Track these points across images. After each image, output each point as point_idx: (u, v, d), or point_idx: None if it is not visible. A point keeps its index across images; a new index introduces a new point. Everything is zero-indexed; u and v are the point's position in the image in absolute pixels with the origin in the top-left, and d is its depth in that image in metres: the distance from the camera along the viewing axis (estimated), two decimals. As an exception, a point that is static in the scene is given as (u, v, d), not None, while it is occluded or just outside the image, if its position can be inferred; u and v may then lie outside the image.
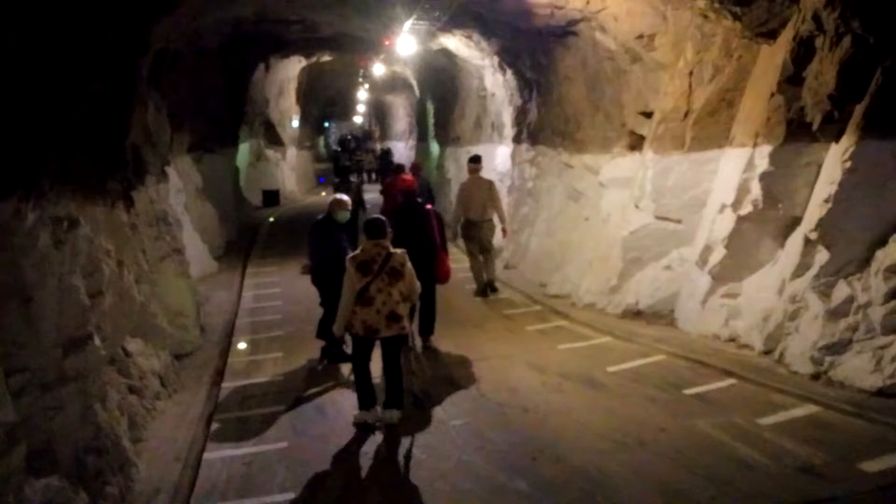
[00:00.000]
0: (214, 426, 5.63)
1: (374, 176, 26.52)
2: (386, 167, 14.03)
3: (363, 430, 5.34)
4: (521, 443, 5.01)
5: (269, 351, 7.69)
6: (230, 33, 12.30)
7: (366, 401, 5.45)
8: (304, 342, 7.94)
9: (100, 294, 4.76)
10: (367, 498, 4.36)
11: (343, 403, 6.00)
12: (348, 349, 5.99)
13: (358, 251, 5.45)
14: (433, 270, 7.09)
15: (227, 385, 6.63)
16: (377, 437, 5.24)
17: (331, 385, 6.46)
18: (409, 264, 5.42)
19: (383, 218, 5.67)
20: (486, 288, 9.80)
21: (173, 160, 10.31)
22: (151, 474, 4.67)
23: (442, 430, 5.31)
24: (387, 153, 25.93)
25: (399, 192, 7.79)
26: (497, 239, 11.03)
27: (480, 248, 9.69)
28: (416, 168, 13.22)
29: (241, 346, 7.95)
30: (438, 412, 5.65)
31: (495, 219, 9.72)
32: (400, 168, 12.42)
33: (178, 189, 10.42)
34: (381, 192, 13.20)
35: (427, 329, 7.42)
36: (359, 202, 11.01)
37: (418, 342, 6.49)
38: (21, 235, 3.65)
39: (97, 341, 4.36)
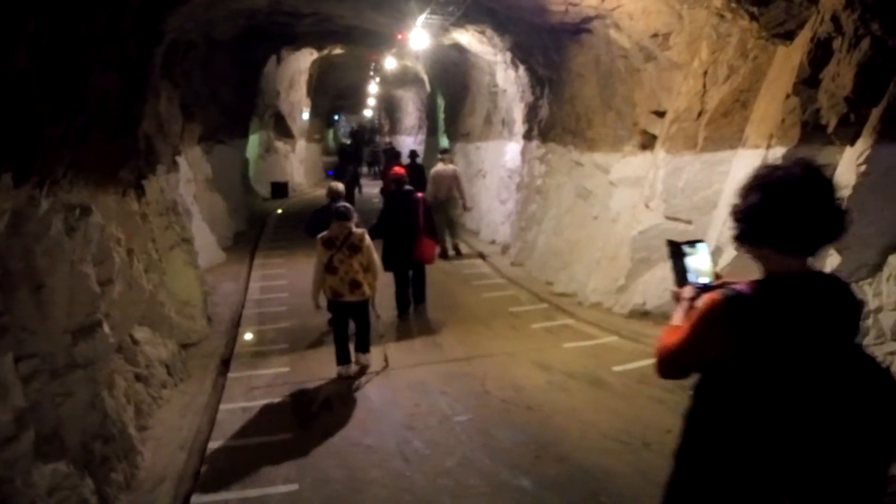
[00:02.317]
0: (220, 416, 5.65)
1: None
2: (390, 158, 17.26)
3: (341, 378, 6.44)
4: (525, 441, 5.01)
5: (275, 342, 7.71)
6: (243, 25, 12.29)
7: (342, 358, 6.54)
8: (309, 334, 7.96)
9: (110, 282, 4.78)
10: (369, 491, 4.37)
11: (348, 396, 6.02)
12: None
13: (326, 231, 6.50)
14: (413, 250, 8.21)
15: (233, 375, 6.65)
16: (380, 429, 5.25)
17: (336, 377, 6.47)
18: (367, 241, 6.54)
19: (348, 205, 6.75)
20: (446, 251, 12.07)
21: (184, 150, 10.34)
22: (156, 462, 4.70)
23: (446, 425, 5.31)
24: (393, 148, 27.16)
25: (391, 179, 9.01)
26: (503, 235, 12.02)
27: (447, 218, 12.15)
28: (413, 154, 15.61)
29: (248, 336, 7.97)
30: (443, 408, 5.66)
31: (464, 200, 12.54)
32: (397, 155, 15.65)
33: (188, 179, 10.46)
34: (382, 177, 16.60)
35: (419, 298, 8.76)
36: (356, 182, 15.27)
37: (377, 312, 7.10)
38: (34, 222, 3.66)
39: (106, 329, 4.37)
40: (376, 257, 6.66)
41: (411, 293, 8.61)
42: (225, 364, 6.94)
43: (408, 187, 8.65)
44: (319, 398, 6.05)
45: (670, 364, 2.20)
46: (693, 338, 2.04)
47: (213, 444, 5.11)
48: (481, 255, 12.52)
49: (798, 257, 1.97)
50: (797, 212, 1.89)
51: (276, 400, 5.98)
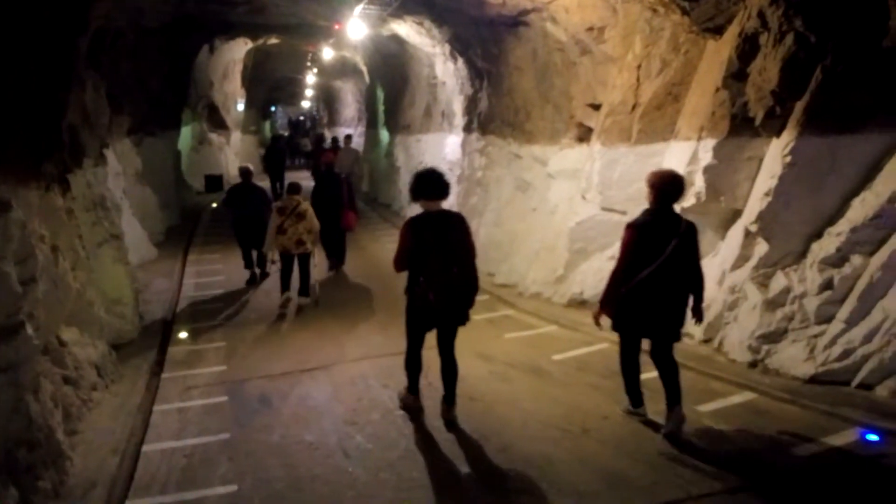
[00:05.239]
0: (154, 417, 5.48)
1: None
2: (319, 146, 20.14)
3: (282, 306, 8.60)
4: (467, 431, 5.03)
5: (211, 340, 7.52)
6: (173, 13, 11.90)
7: (284, 288, 8.69)
8: (247, 330, 7.81)
9: (33, 281, 4.55)
10: (311, 489, 4.31)
11: (288, 392, 5.92)
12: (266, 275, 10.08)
13: (280, 201, 8.69)
14: (339, 220, 10.21)
15: (168, 375, 6.45)
16: (322, 425, 5.19)
17: (275, 374, 6.36)
18: (310, 210, 8.57)
19: (299, 183, 8.95)
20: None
21: (112, 143, 9.97)
22: (87, 467, 4.52)
23: (389, 419, 5.29)
24: (322, 138, 27.84)
25: (322, 163, 11.49)
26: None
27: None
28: (335, 141, 18.63)
29: (182, 335, 7.74)
30: (385, 401, 5.63)
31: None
32: (328, 142, 19.83)
33: (116, 173, 10.09)
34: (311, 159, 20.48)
35: (339, 260, 10.78)
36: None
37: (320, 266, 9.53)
38: (-55, 218, 3.46)
39: (30, 330, 4.17)
40: (316, 222, 8.62)
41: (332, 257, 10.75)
42: (158, 364, 6.73)
43: (336, 170, 11.02)
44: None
45: (399, 260, 4.95)
46: (404, 242, 4.88)
47: (148, 447, 4.95)
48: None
49: (434, 202, 4.94)
50: (427, 184, 4.95)
51: (214, 399, 5.84)
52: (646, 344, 4.99)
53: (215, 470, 4.59)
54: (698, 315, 4.93)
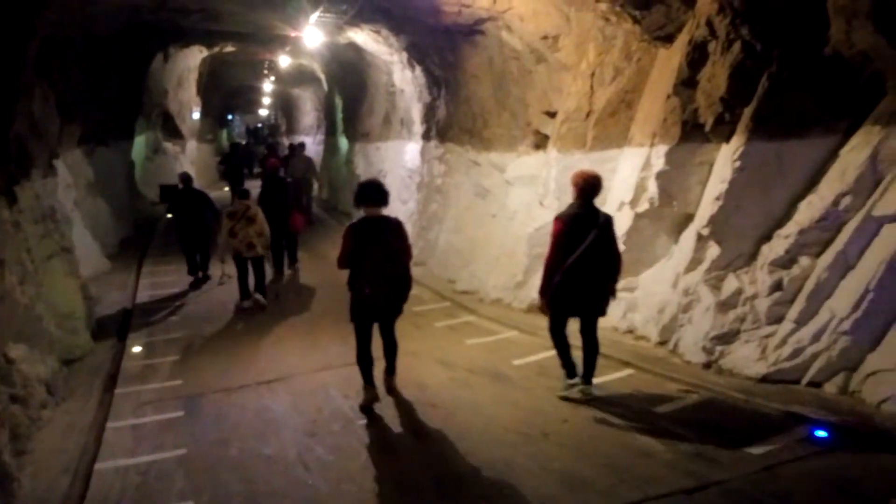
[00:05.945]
0: (107, 435, 5.34)
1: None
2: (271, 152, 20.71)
3: (243, 309, 8.97)
4: (429, 439, 5.02)
5: (166, 354, 7.36)
6: (126, 20, 11.65)
7: (243, 296, 9.05)
8: (203, 342, 7.68)
9: (-24, 296, 4.42)
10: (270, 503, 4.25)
11: (245, 405, 5.84)
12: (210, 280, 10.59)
13: (230, 206, 9.11)
14: (288, 222, 10.59)
15: (121, 391, 6.30)
16: (281, 438, 5.13)
17: (233, 387, 6.27)
18: (260, 214, 8.99)
19: (248, 189, 9.50)
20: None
21: (62, 153, 9.74)
22: (36, 488, 4.39)
23: (350, 429, 5.25)
24: (274, 145, 28.58)
25: (267, 168, 11.64)
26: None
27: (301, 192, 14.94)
28: (291, 147, 19.09)
29: (136, 349, 7.57)
30: (346, 412, 5.59)
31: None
32: (273, 151, 21.07)
33: (67, 184, 9.85)
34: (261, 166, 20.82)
35: (292, 259, 11.39)
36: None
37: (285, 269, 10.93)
38: None
39: (-27, 348, 4.04)
40: (267, 227, 8.99)
41: (286, 256, 11.18)
42: (112, 379, 6.56)
43: (280, 175, 11.50)
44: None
45: (343, 259, 5.41)
46: (345, 243, 5.36)
47: (101, 465, 4.81)
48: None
49: (373, 208, 5.44)
50: (368, 192, 5.49)
51: (169, 415, 5.72)
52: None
53: (171, 486, 4.48)
54: (612, 292, 5.61)
